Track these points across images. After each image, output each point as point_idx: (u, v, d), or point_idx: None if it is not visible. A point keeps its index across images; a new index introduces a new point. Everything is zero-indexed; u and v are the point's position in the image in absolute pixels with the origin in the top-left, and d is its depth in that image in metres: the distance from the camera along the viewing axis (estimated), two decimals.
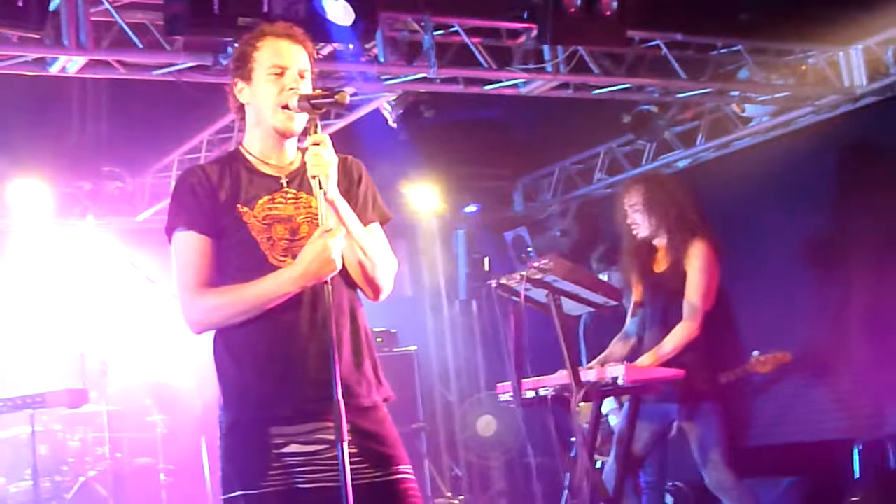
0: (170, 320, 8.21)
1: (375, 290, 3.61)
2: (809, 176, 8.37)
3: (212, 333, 3.55)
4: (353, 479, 3.27)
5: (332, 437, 3.35)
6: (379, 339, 9.06)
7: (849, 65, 8.06)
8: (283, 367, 3.45)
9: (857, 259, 8.11)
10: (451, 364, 10.77)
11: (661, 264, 6.47)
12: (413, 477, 3.55)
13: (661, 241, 6.48)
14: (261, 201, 3.53)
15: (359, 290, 3.62)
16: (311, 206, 3.51)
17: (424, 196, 10.37)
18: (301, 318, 3.45)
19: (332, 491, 3.30)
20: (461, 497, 9.67)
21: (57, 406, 7.56)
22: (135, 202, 9.41)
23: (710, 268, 6.28)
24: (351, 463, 3.29)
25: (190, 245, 3.51)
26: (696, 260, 6.26)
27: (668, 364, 6.10)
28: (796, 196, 8.41)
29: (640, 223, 6.48)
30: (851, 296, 8.16)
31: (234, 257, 3.50)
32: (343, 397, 3.29)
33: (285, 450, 3.43)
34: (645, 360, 6.21)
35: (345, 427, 3.25)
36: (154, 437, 8.57)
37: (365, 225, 3.59)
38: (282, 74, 3.52)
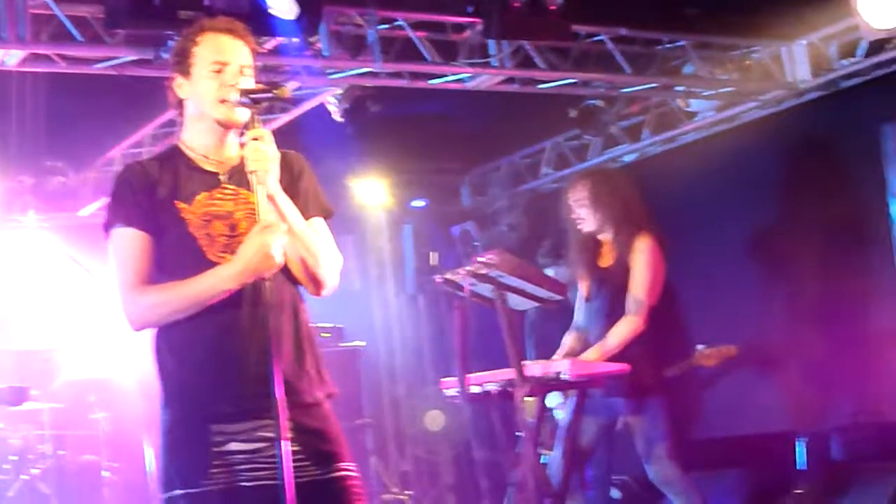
0: (112, 317, 8.12)
1: (318, 286, 3.56)
2: (755, 170, 8.42)
3: (152, 331, 3.51)
4: (295, 477, 3.23)
5: (273, 435, 3.31)
6: (326, 335, 9.02)
7: (792, 60, 8.10)
8: (222, 364, 3.40)
9: (802, 253, 8.16)
10: (399, 359, 10.74)
11: (606, 259, 6.49)
12: (356, 474, 3.52)
13: (606, 236, 6.50)
14: (199, 197, 3.48)
15: (301, 287, 3.58)
16: (250, 203, 3.46)
17: (372, 190, 10.33)
18: (241, 316, 3.41)
19: (274, 489, 3.26)
20: (409, 492, 9.64)
21: None
22: (77, 197, 9.31)
23: (655, 262, 6.31)
24: (293, 460, 3.25)
25: (128, 242, 3.45)
26: (641, 255, 6.29)
27: (613, 358, 6.11)
28: (742, 190, 8.46)
29: (585, 218, 6.49)
30: (796, 289, 8.22)
31: (173, 254, 3.45)
32: (285, 395, 3.25)
33: (226, 448, 3.39)
34: (590, 354, 6.22)
35: (285, 425, 3.21)
36: (97, 435, 8.48)
37: (307, 220, 3.54)
38: (222, 70, 3.48)
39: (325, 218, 3.67)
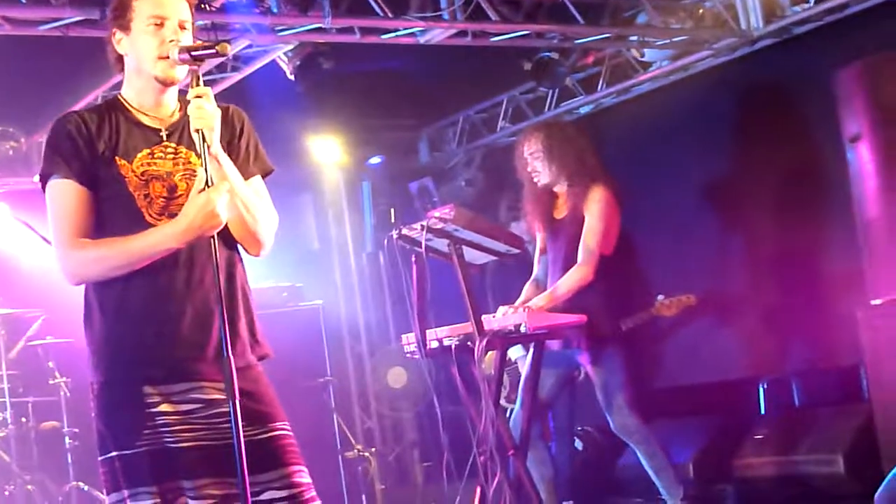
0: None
1: (257, 246, 3.55)
2: (710, 119, 8.44)
3: (82, 289, 3.47)
4: (229, 438, 3.23)
5: (206, 397, 3.35)
6: (284, 294, 8.98)
7: (745, 7, 8.07)
8: (156, 326, 3.39)
9: (759, 200, 8.19)
10: (361, 317, 10.73)
11: (561, 210, 6.51)
12: (290, 432, 3.52)
13: (561, 188, 6.50)
14: (139, 155, 3.45)
15: (238, 246, 3.56)
16: (189, 163, 3.46)
17: (328, 149, 10.25)
18: (177, 278, 3.40)
19: (209, 450, 3.29)
20: (373, 449, 9.66)
21: None
22: (29, 162, 9.21)
23: (610, 213, 6.32)
24: (227, 422, 3.26)
25: (67, 194, 3.41)
26: (595, 205, 6.30)
27: (570, 310, 6.12)
28: (698, 139, 8.48)
29: (540, 171, 6.49)
30: (754, 237, 8.25)
31: (110, 211, 3.42)
32: (215, 357, 3.26)
33: (159, 409, 3.38)
34: (538, 301, 6.23)
35: (234, 384, 3.21)
36: (58, 400, 8.43)
37: (246, 178, 3.53)
38: (161, 25, 3.44)
39: (265, 176, 3.65)
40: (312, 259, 10.49)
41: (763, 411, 7.86)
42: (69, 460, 8.26)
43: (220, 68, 7.78)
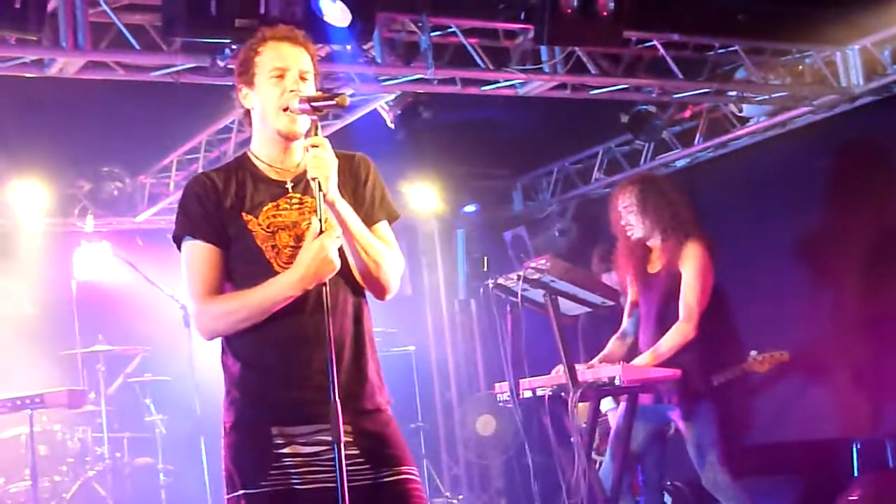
0: (168, 320, 8.23)
1: (381, 291, 3.62)
2: (806, 175, 8.40)
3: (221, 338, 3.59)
4: (355, 480, 3.33)
5: (331, 440, 3.37)
6: (378, 339, 9.04)
7: (846, 64, 8.08)
8: (286, 370, 3.48)
9: (854, 258, 8.13)
10: (451, 363, 10.78)
11: (655, 265, 6.50)
12: (418, 478, 3.57)
13: (655, 242, 6.51)
14: (265, 208, 3.55)
15: (365, 292, 3.63)
16: (315, 212, 3.53)
17: (423, 196, 10.37)
18: (305, 323, 3.47)
19: (333, 492, 3.32)
20: (460, 496, 9.69)
21: (55, 406, 7.59)
22: (133, 203, 9.43)
23: (705, 269, 6.31)
24: (353, 464, 3.36)
25: (197, 254, 3.53)
26: (691, 261, 6.29)
27: (664, 364, 6.12)
28: (793, 195, 8.44)
29: (634, 224, 6.50)
30: (847, 296, 8.19)
31: (241, 266, 3.53)
32: (345, 400, 3.31)
33: (286, 450, 3.45)
34: (642, 359, 6.23)
35: (341, 428, 3.26)
36: (153, 437, 8.58)
37: (373, 223, 3.60)
38: (282, 77, 3.54)
39: (391, 221, 3.71)
40: (405, 305, 10.55)
41: (856, 472, 7.76)
42: (162, 497, 8.39)
43: (323, 116, 7.91)
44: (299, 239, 3.51)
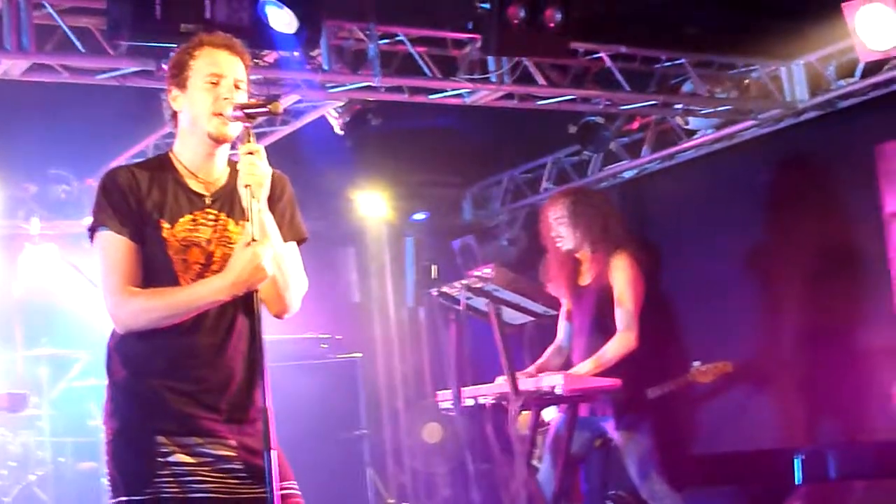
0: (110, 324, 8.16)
1: (283, 308, 3.63)
2: (752, 188, 8.48)
3: (107, 338, 3.59)
4: (238, 493, 3.43)
5: (215, 452, 3.48)
6: (323, 345, 9.06)
7: (791, 79, 8.15)
8: (177, 384, 3.49)
9: (798, 271, 8.21)
10: (398, 371, 10.78)
11: (585, 277, 6.56)
12: (297, 492, 3.59)
13: (584, 254, 6.56)
14: (182, 220, 3.54)
15: (262, 308, 3.59)
16: (227, 230, 3.56)
17: (373, 203, 10.38)
18: (202, 339, 3.50)
19: (215, 502, 3.42)
20: None
21: None
22: (80, 206, 9.37)
23: (636, 279, 6.38)
24: (237, 477, 3.46)
25: (118, 247, 3.51)
26: (621, 273, 6.36)
27: (605, 374, 6.16)
28: (739, 207, 8.52)
29: (564, 236, 6.55)
30: (791, 307, 8.26)
31: (148, 269, 3.52)
32: (230, 416, 3.43)
33: (171, 458, 3.47)
34: (585, 366, 6.26)
35: (273, 435, 3.30)
36: (97, 442, 8.52)
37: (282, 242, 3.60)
38: (217, 84, 3.54)
39: (299, 244, 3.72)
40: (353, 312, 10.58)
41: (798, 483, 7.82)
42: (105, 502, 8.32)
43: (270, 122, 7.91)
44: (209, 258, 3.53)
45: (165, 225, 3.52)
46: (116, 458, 3.52)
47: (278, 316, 3.64)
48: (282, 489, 3.47)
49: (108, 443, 3.56)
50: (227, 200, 3.55)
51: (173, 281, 3.49)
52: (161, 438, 3.46)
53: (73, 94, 7.04)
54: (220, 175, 3.65)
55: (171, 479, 3.44)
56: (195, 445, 3.47)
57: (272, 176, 3.57)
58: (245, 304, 3.52)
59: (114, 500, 3.49)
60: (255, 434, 3.50)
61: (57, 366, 8.60)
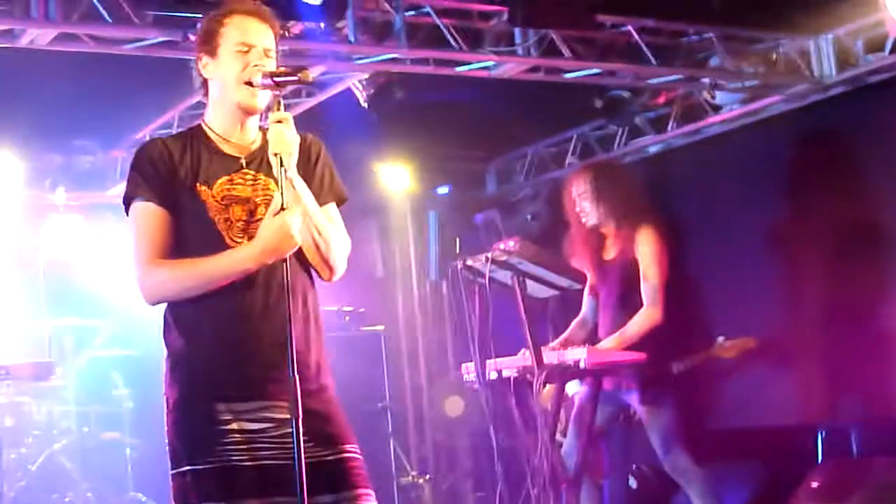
0: (137, 295, 8.19)
1: (329, 271, 3.63)
2: (778, 164, 8.43)
3: (163, 308, 3.57)
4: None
5: (278, 416, 3.42)
6: (346, 318, 9.09)
7: (819, 54, 8.09)
8: (231, 347, 3.48)
9: (822, 248, 8.16)
10: (421, 344, 10.79)
11: (609, 252, 6.54)
12: (359, 456, 3.58)
13: (608, 229, 6.54)
14: (220, 181, 3.55)
15: (312, 272, 3.64)
16: (268, 189, 3.55)
17: (396, 176, 10.36)
18: (253, 300, 3.48)
19: (277, 469, 3.36)
20: (427, 476, 9.70)
21: (21, 378, 7.59)
22: (105, 177, 9.40)
23: (661, 254, 6.36)
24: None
25: (148, 217, 3.52)
26: (646, 247, 6.34)
27: (630, 349, 6.15)
28: (765, 183, 8.46)
29: (588, 211, 6.53)
30: (816, 284, 8.23)
31: (191, 235, 3.52)
32: (288, 377, 3.31)
33: (232, 426, 3.44)
34: (609, 342, 6.26)
35: (299, 404, 3.27)
36: (120, 412, 8.57)
37: (321, 205, 3.60)
38: (247, 52, 3.55)
39: (339, 204, 3.73)
40: (376, 285, 10.57)
41: (820, 459, 7.81)
42: (129, 471, 8.39)
43: (296, 93, 7.91)
44: (252, 213, 3.52)
45: (202, 188, 3.53)
46: (177, 427, 3.51)
47: (326, 279, 3.65)
48: (344, 452, 3.51)
49: (168, 413, 3.55)
50: (263, 163, 3.55)
51: (218, 240, 3.49)
52: (221, 406, 3.45)
53: (98, 64, 7.04)
54: (254, 139, 3.65)
55: (233, 447, 3.43)
56: (257, 409, 3.46)
57: (307, 140, 3.60)
58: (298, 262, 3.53)
59: (175, 471, 3.49)
60: (317, 398, 3.50)
61: (81, 335, 8.66)
